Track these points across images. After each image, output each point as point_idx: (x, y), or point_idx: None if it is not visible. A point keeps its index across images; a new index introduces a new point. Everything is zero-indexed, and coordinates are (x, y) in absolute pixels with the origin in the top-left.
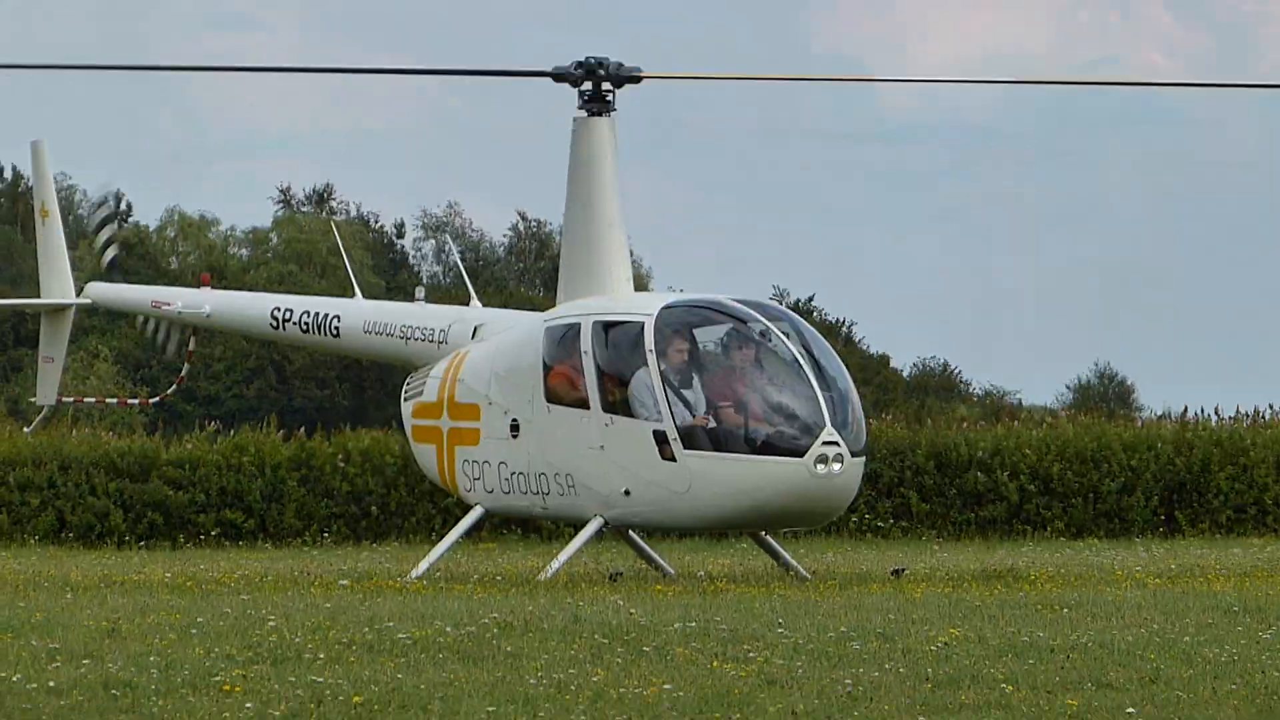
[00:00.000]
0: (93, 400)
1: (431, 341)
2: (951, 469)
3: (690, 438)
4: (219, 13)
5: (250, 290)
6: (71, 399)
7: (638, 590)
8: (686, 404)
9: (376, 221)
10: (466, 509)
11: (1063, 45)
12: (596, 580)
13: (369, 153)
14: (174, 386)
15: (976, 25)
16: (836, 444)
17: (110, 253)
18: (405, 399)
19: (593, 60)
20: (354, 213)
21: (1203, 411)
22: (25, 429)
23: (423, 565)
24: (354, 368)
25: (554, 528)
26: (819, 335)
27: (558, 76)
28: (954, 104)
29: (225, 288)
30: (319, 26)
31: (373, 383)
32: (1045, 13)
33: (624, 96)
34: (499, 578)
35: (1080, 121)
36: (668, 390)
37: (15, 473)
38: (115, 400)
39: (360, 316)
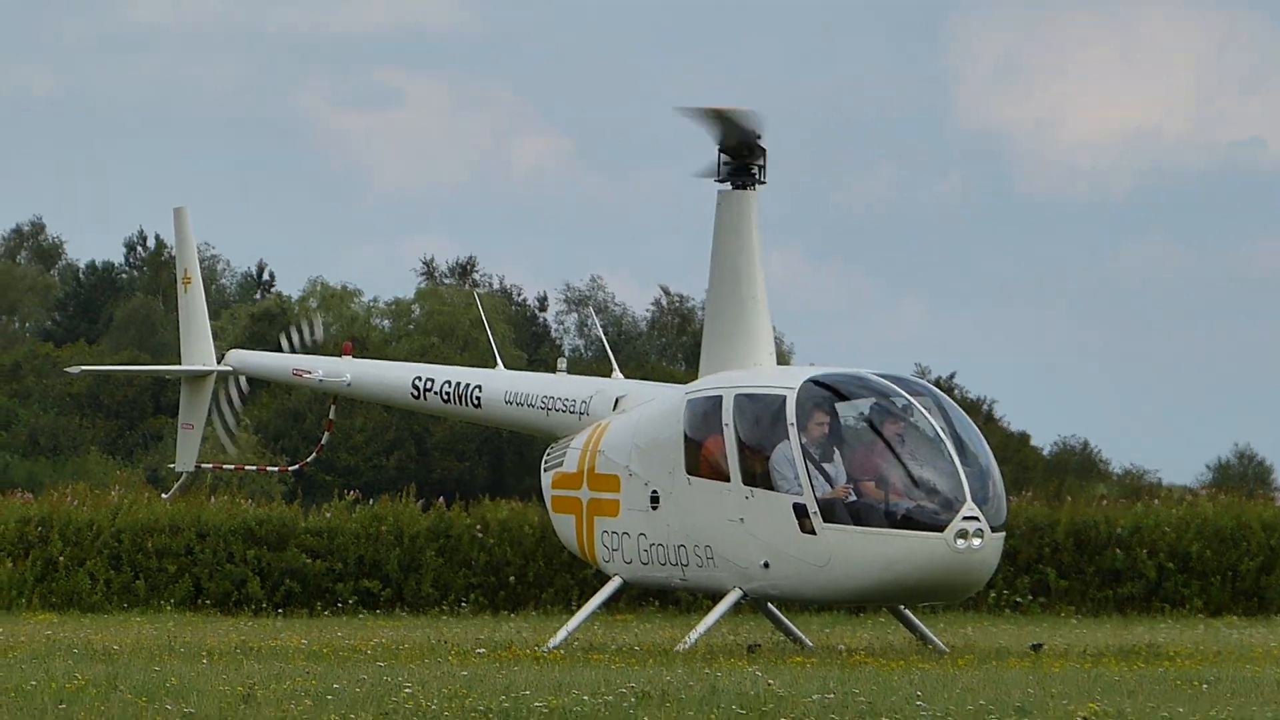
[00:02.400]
0: (231, 467)
1: (573, 413)
2: (1090, 546)
3: (830, 511)
4: (363, 87)
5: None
6: (210, 465)
7: (775, 662)
8: (827, 477)
9: (519, 295)
10: (605, 580)
11: (1204, 126)
12: (734, 652)
13: (512, 226)
14: (313, 455)
15: (1119, 106)
16: (977, 519)
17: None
18: (545, 470)
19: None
20: (496, 286)
21: None
22: (163, 495)
23: (560, 635)
24: (493, 440)
25: (692, 599)
26: (961, 410)
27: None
28: (1098, 181)
29: (367, 358)
30: (463, 102)
31: (512, 455)
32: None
33: (769, 169)
34: (636, 648)
35: (1223, 204)
36: (808, 463)
37: (153, 539)
38: (254, 468)
39: (502, 387)
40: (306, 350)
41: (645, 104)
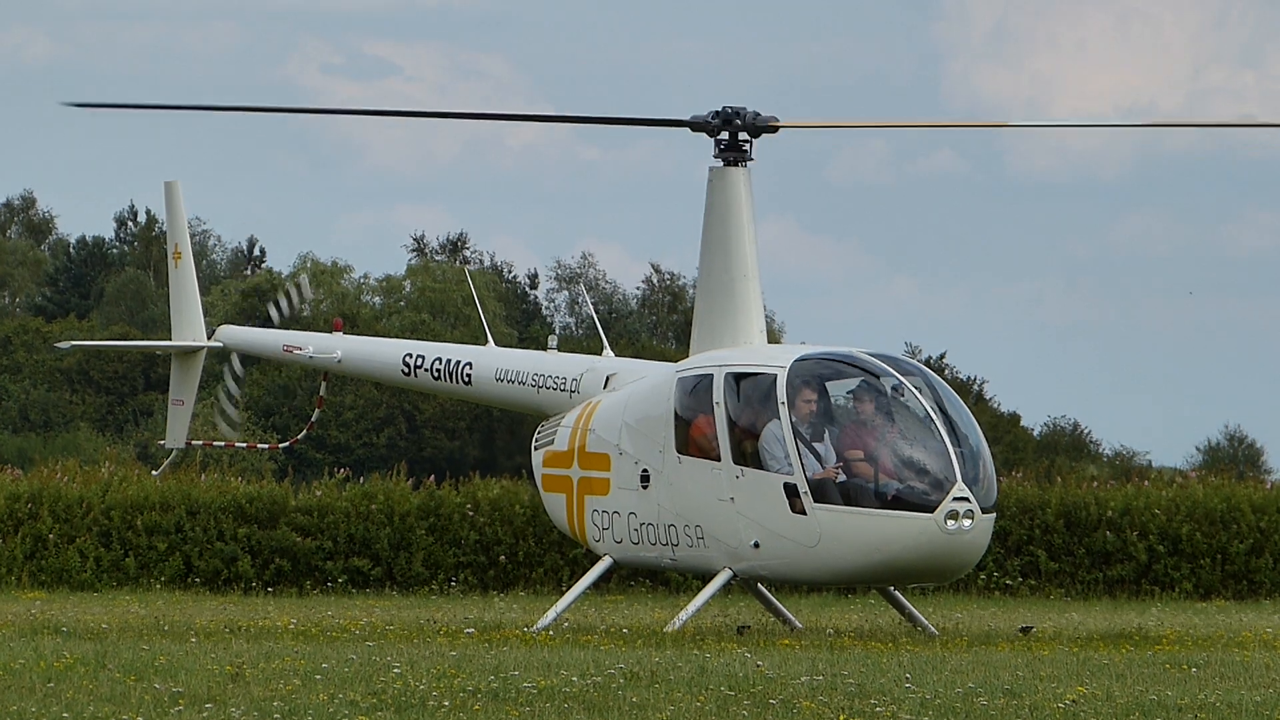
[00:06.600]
0: (222, 444)
1: (563, 390)
2: (1081, 528)
3: (821, 491)
4: (357, 59)
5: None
6: (201, 442)
7: (765, 643)
8: (818, 457)
9: (510, 272)
10: (595, 559)
11: (1197, 103)
12: (724, 633)
13: (503, 201)
14: (304, 432)
15: (1110, 81)
16: (967, 500)
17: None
18: (536, 448)
19: (730, 110)
20: (487, 263)
21: None
22: (153, 472)
23: (549, 615)
24: (484, 417)
25: (682, 579)
26: (951, 390)
27: (695, 126)
28: (1090, 161)
29: (358, 334)
30: (456, 75)
31: (503, 432)
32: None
33: (760, 146)
34: (626, 629)
35: (1215, 184)
36: (799, 443)
37: (143, 517)
38: (245, 444)
39: (492, 364)
40: (296, 313)
41: (638, 78)
